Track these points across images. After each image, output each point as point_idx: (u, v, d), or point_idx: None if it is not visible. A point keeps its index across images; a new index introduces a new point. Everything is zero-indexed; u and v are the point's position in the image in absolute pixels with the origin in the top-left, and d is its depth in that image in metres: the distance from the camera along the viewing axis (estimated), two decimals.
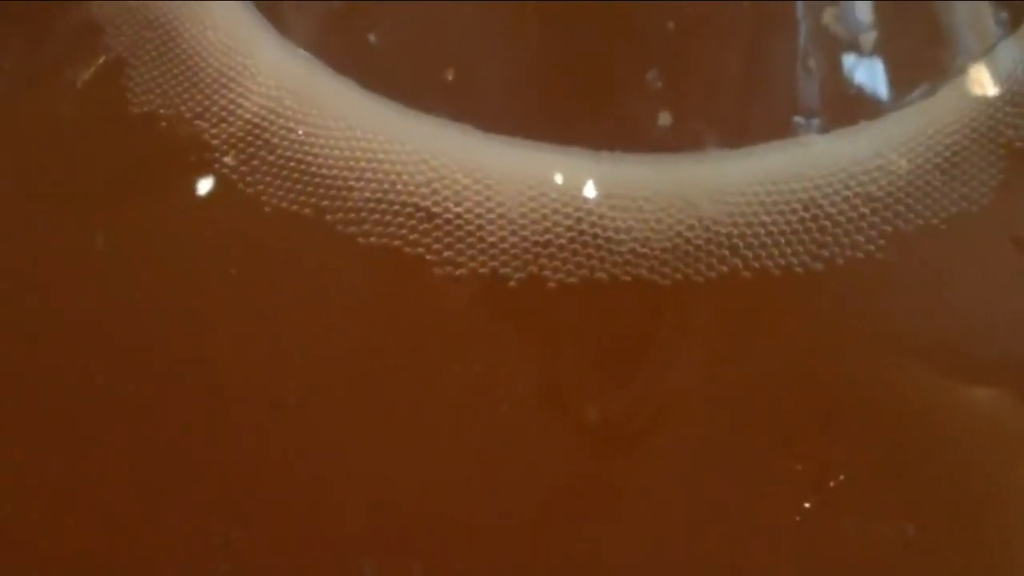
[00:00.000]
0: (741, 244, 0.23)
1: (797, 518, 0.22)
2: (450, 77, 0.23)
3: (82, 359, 0.24)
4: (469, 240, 0.23)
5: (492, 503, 0.22)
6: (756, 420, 0.22)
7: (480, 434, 0.22)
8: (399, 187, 0.23)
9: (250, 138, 0.24)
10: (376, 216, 0.23)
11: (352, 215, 0.23)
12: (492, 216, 0.23)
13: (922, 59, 0.24)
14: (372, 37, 0.24)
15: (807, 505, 0.22)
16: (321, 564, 0.22)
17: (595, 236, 0.22)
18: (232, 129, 0.24)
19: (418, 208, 0.23)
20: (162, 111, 0.25)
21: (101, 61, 0.26)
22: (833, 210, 0.23)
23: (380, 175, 0.23)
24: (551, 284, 0.22)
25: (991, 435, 0.23)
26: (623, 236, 0.22)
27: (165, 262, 0.24)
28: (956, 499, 0.22)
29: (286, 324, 0.23)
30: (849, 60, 0.23)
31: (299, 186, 0.23)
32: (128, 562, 0.22)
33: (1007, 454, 0.23)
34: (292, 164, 0.24)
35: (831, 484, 0.22)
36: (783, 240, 0.23)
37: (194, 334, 0.23)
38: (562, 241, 0.22)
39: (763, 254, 0.23)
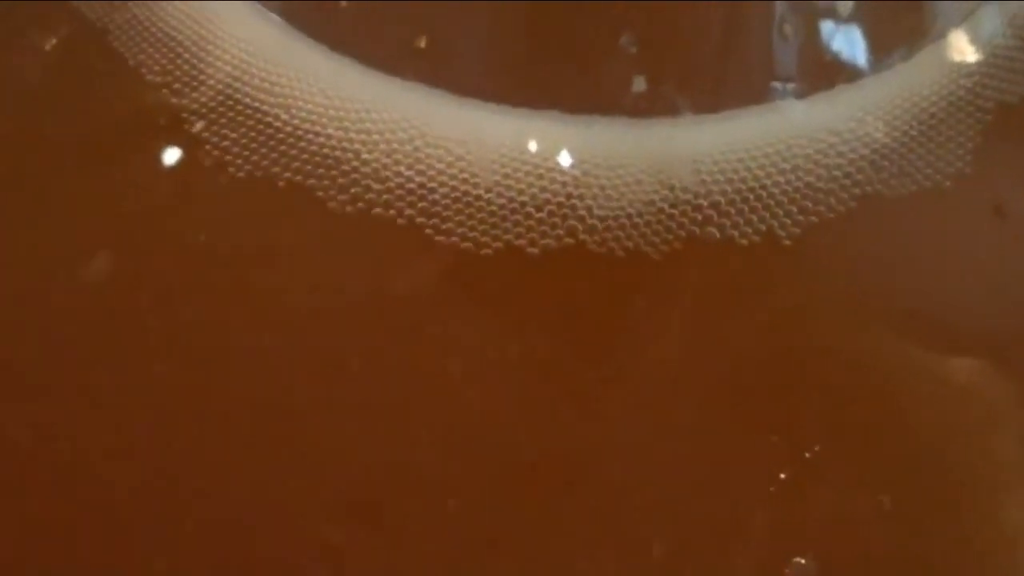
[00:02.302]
0: (715, 212, 0.22)
1: (772, 489, 0.22)
2: (422, 44, 0.23)
3: (47, 320, 0.23)
4: (442, 206, 0.22)
5: (470, 475, 0.22)
6: (731, 390, 0.22)
7: (457, 402, 0.22)
8: (372, 152, 0.23)
9: (220, 103, 0.24)
10: (348, 180, 0.23)
11: (323, 180, 0.23)
12: (465, 181, 0.22)
13: (900, 24, 0.24)
14: (343, 2, 0.24)
15: (783, 476, 0.22)
16: (291, 530, 0.22)
17: (569, 200, 0.22)
18: (203, 95, 0.24)
19: (391, 173, 0.23)
20: (131, 77, 0.24)
21: (69, 26, 0.26)
22: (810, 177, 0.23)
23: (352, 140, 0.23)
24: (525, 251, 0.22)
25: (968, 406, 0.23)
26: (597, 202, 0.22)
27: (136, 229, 0.24)
28: (932, 471, 0.22)
29: (258, 289, 0.23)
30: (826, 25, 0.23)
31: (270, 152, 0.23)
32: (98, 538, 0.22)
33: (984, 425, 0.23)
34: (263, 129, 0.23)
35: (806, 455, 0.22)
36: (759, 207, 0.22)
37: (164, 300, 0.23)
38: (538, 212, 0.22)
39: (740, 221, 0.22)
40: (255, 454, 0.22)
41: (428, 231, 0.22)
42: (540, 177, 0.22)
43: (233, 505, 0.22)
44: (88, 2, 0.26)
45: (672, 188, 0.22)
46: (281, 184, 0.23)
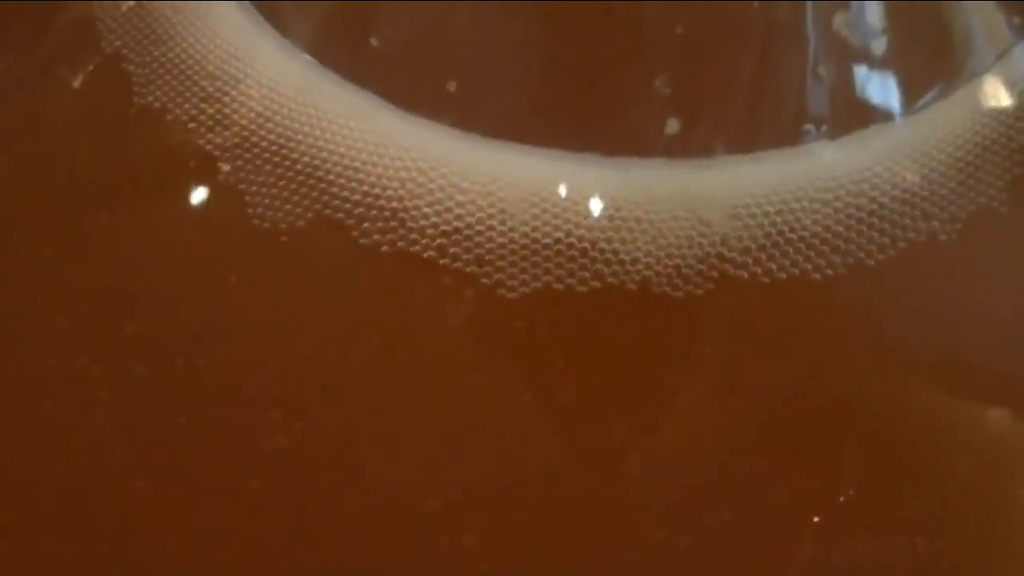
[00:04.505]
0: (748, 254, 0.22)
1: (807, 533, 0.22)
2: (452, 88, 0.23)
3: (78, 363, 0.23)
4: (474, 249, 0.22)
5: (493, 519, 0.22)
6: (766, 434, 0.22)
7: (482, 449, 0.22)
8: (400, 193, 0.23)
9: (249, 143, 0.24)
10: (377, 223, 0.23)
11: (354, 220, 0.23)
12: (497, 224, 0.22)
13: (934, 65, 0.24)
14: (374, 41, 0.24)
15: (817, 520, 0.22)
16: (319, 570, 0.22)
17: (603, 241, 0.22)
18: (231, 134, 0.24)
19: (424, 214, 0.22)
20: (160, 115, 0.24)
21: (97, 63, 0.26)
22: (842, 219, 0.23)
23: (383, 181, 0.23)
24: (560, 294, 0.22)
25: (1002, 450, 0.23)
26: (629, 246, 0.22)
27: (163, 269, 0.24)
28: (968, 515, 0.22)
29: (287, 330, 0.23)
30: (860, 66, 0.23)
31: (299, 192, 0.23)
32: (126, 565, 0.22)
33: (1018, 470, 0.23)
34: (292, 170, 0.23)
35: (841, 499, 0.22)
36: (792, 250, 0.22)
37: (193, 341, 0.23)
38: (569, 250, 0.22)
39: (773, 265, 0.22)
40: (279, 497, 0.22)
41: (461, 273, 0.22)
42: (577, 215, 0.22)
43: (260, 548, 0.22)
44: (116, 39, 0.26)
45: (706, 229, 0.22)
46: (310, 224, 0.23)
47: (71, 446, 0.23)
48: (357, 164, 0.23)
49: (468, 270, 0.22)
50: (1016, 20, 0.25)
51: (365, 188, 0.23)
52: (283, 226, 0.23)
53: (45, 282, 0.24)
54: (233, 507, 0.22)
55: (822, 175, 0.23)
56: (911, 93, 0.23)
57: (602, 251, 0.22)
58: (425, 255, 0.22)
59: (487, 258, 0.22)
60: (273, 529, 0.22)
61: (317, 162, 0.23)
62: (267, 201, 0.23)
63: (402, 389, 0.22)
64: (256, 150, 0.23)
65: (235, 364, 0.23)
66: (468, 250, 0.22)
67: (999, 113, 0.24)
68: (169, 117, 0.24)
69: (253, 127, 0.24)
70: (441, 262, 0.22)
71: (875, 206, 0.23)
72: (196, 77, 0.24)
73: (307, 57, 0.24)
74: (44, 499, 0.23)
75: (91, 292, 0.24)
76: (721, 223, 0.22)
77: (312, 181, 0.23)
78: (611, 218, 0.22)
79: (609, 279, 0.22)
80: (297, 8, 0.25)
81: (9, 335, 0.24)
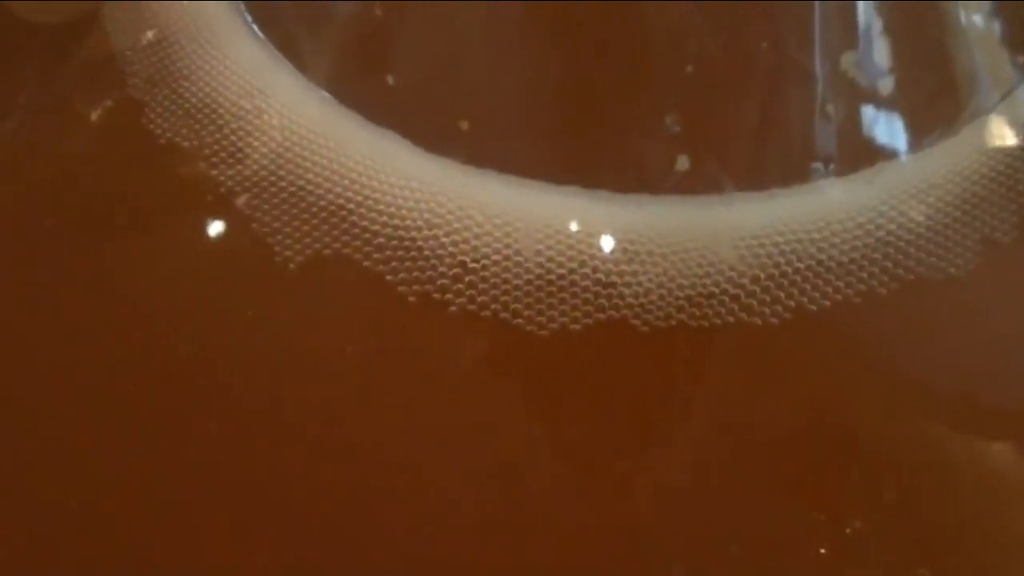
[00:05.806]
0: (756, 288, 0.22)
1: (813, 565, 0.22)
2: (465, 127, 0.23)
3: (95, 390, 0.24)
4: (490, 279, 0.23)
5: (502, 549, 0.22)
6: (772, 467, 0.22)
7: (492, 480, 0.22)
8: (419, 224, 0.23)
9: (267, 177, 0.24)
10: (391, 255, 0.23)
11: (367, 254, 0.23)
12: (513, 255, 0.23)
13: (940, 104, 0.24)
14: (390, 79, 0.24)
15: (823, 551, 0.22)
16: None
17: (612, 277, 0.22)
18: (248, 165, 0.24)
19: (439, 246, 0.23)
20: (178, 148, 0.25)
21: (116, 96, 0.26)
22: (849, 253, 0.23)
23: (401, 213, 0.23)
24: (569, 326, 0.22)
25: (1004, 483, 0.23)
26: (641, 278, 0.22)
27: (180, 301, 0.24)
28: (970, 547, 0.22)
29: (302, 364, 0.23)
30: (867, 106, 0.23)
31: (316, 224, 0.23)
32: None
33: (1019, 502, 0.23)
34: (307, 202, 0.24)
35: (847, 531, 0.22)
36: (800, 279, 0.23)
37: (209, 374, 0.23)
38: (582, 281, 0.22)
39: (781, 294, 0.22)
40: (291, 536, 0.22)
41: (475, 305, 0.22)
42: (588, 248, 0.23)
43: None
44: (134, 73, 0.26)
45: (716, 260, 0.23)
46: (327, 258, 0.23)
47: (81, 462, 0.23)
48: (377, 196, 0.23)
49: (482, 302, 0.22)
50: (1020, 59, 0.25)
51: (384, 219, 0.23)
52: (300, 260, 0.23)
53: (61, 309, 0.25)
54: (244, 529, 0.22)
55: (831, 210, 0.23)
56: (917, 132, 0.24)
57: (614, 284, 0.22)
58: (440, 286, 0.23)
59: (503, 288, 0.22)
60: (285, 552, 0.22)
61: (333, 195, 0.23)
62: (284, 233, 0.23)
63: (415, 419, 0.23)
64: (273, 184, 0.24)
65: (252, 396, 0.23)
66: (484, 279, 0.22)
67: (1004, 150, 0.24)
68: (187, 150, 0.25)
69: (271, 158, 0.24)
70: (456, 293, 0.23)
71: (881, 243, 0.23)
72: (214, 111, 0.25)
73: (324, 93, 0.24)
74: (56, 512, 0.23)
75: (106, 321, 0.24)
76: (730, 256, 0.23)
77: (328, 213, 0.23)
78: (623, 252, 0.23)
79: (622, 311, 0.22)
80: (314, 45, 0.25)
81: (21, 355, 0.24)
